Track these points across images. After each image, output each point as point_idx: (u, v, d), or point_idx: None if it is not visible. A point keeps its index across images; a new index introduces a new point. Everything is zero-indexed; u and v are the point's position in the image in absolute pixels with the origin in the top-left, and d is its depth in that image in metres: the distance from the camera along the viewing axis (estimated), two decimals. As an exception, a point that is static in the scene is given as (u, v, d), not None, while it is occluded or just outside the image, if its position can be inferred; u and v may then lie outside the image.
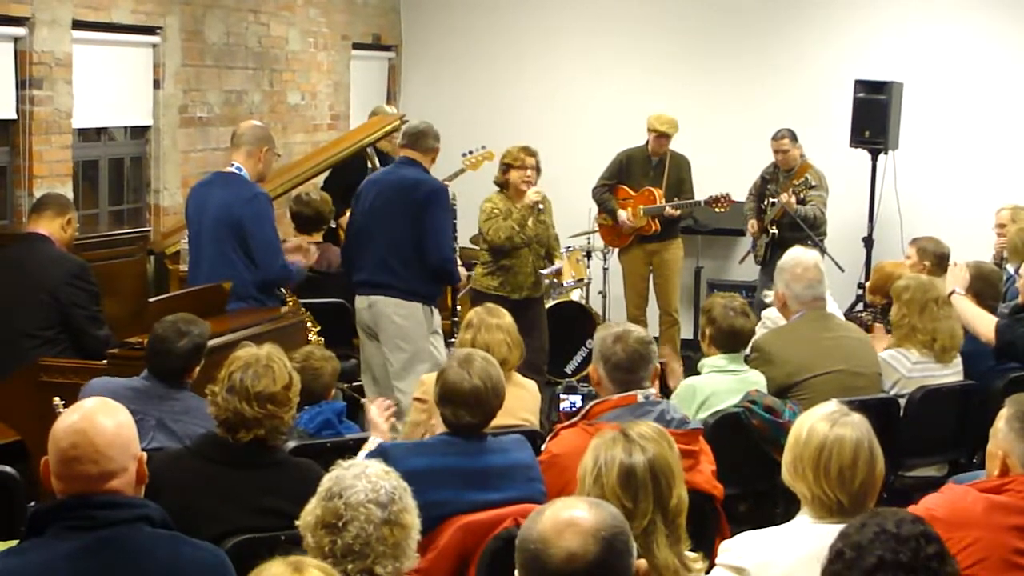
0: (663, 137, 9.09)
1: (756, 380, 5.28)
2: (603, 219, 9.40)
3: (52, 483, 2.95)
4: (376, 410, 4.67)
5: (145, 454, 3.05)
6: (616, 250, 9.55)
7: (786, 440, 3.43)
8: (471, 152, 8.77)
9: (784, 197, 8.90)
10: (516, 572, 2.32)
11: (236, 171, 6.26)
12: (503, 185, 7.68)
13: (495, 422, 4.17)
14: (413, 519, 2.94)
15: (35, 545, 2.88)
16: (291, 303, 6.58)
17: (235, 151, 6.34)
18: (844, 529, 2.65)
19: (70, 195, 6.97)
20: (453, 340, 6.99)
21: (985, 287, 6.04)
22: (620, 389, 4.27)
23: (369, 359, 6.86)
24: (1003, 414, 3.67)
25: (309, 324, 6.52)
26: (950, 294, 5.86)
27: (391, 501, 2.90)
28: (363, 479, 2.91)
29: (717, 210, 9.17)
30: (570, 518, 2.30)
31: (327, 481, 2.95)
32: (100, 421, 2.95)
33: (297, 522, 2.96)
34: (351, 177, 8.70)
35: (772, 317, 6.23)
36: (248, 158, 6.27)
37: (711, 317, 5.30)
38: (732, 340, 5.29)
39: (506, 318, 5.24)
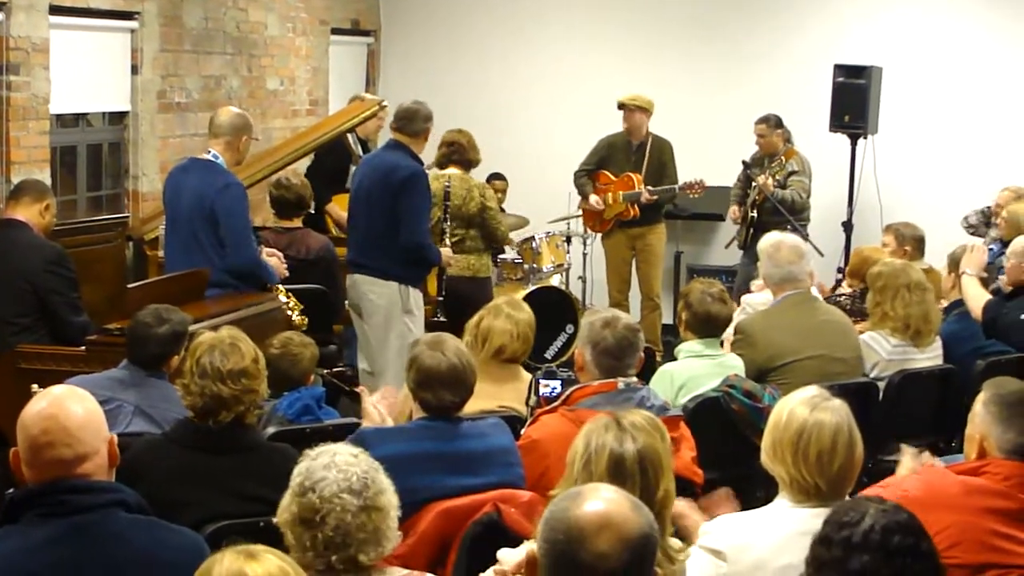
0: (634, 112, 8.98)
1: (733, 364, 5.28)
2: (585, 204, 9.39)
3: (24, 472, 2.94)
4: (371, 401, 4.62)
5: (116, 436, 3.05)
6: (599, 235, 9.55)
7: (766, 424, 3.44)
8: None
9: (762, 179, 8.92)
10: (539, 545, 2.29)
11: (212, 159, 6.21)
12: (466, 165, 7.64)
13: (480, 407, 4.15)
14: (389, 499, 2.89)
15: (11, 532, 2.87)
16: (273, 287, 6.54)
17: (213, 140, 6.28)
18: (838, 517, 2.66)
19: (48, 181, 6.94)
20: (437, 319, 7.02)
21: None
22: (605, 375, 4.28)
23: (359, 334, 7.00)
24: (981, 397, 3.69)
25: (292, 304, 6.49)
26: (961, 274, 5.99)
27: (364, 487, 2.83)
28: (332, 469, 2.84)
29: (691, 195, 9.18)
30: (610, 517, 2.26)
31: (298, 475, 2.88)
32: (69, 405, 2.95)
33: (274, 519, 2.91)
34: (334, 163, 8.69)
35: (752, 303, 6.24)
36: (227, 149, 6.22)
37: (688, 302, 5.31)
38: (707, 325, 5.28)
39: (524, 313, 5.16)
